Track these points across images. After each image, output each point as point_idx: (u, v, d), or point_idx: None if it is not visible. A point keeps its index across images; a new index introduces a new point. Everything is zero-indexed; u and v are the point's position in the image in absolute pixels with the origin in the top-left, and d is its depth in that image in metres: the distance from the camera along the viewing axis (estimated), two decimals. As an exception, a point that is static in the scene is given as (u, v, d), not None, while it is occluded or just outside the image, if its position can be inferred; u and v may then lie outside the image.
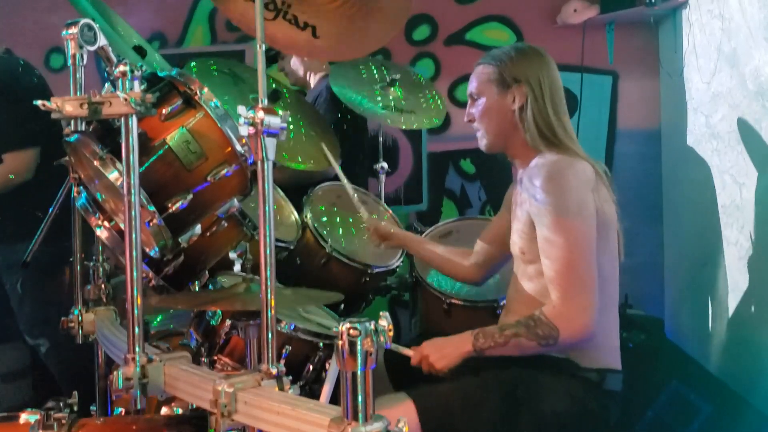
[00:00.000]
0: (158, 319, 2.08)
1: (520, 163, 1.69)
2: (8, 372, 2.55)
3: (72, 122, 1.31)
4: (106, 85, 1.13)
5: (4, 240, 2.27)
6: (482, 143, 1.72)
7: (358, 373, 0.83)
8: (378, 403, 1.47)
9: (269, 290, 1.00)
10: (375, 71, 2.60)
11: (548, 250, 1.51)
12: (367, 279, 2.06)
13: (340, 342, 0.82)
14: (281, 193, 2.18)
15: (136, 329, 1.07)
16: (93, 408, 1.57)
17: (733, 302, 2.48)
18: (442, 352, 1.54)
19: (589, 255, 1.49)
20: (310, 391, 1.58)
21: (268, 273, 1.01)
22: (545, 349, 1.48)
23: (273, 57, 2.90)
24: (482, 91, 1.68)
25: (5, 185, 2.26)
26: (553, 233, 1.50)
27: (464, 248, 1.97)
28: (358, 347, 0.82)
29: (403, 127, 2.56)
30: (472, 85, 1.72)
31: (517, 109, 1.63)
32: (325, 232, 2.08)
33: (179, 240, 1.25)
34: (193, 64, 2.08)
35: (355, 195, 2.11)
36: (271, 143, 1.01)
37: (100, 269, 1.52)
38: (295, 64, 2.87)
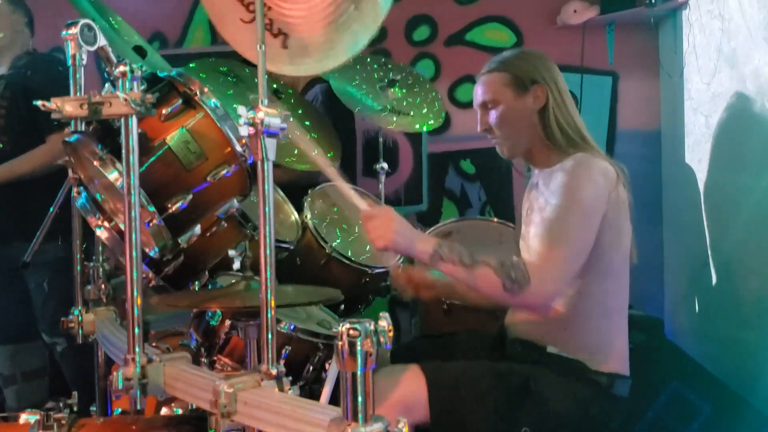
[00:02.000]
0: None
1: (541, 165, 1.66)
2: (29, 371, 2.58)
3: (72, 122, 1.31)
4: (106, 85, 1.13)
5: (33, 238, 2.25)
6: (503, 150, 1.68)
7: (358, 373, 0.83)
8: (389, 372, 1.49)
9: (269, 290, 1.00)
10: (375, 71, 2.60)
11: (554, 211, 1.48)
12: (367, 279, 2.06)
13: (339, 342, 0.82)
14: (281, 193, 2.18)
15: (136, 329, 1.07)
16: (93, 408, 1.58)
17: (732, 302, 2.47)
18: (396, 234, 1.38)
19: (585, 237, 1.46)
20: (310, 391, 1.58)
21: (268, 273, 1.01)
22: (504, 294, 1.38)
23: None
24: (498, 98, 1.63)
25: (48, 165, 2.27)
26: (565, 201, 1.47)
27: None
28: (358, 348, 0.82)
29: (402, 129, 2.56)
30: (483, 96, 1.65)
31: (539, 109, 1.61)
32: (325, 232, 2.07)
33: (179, 240, 1.25)
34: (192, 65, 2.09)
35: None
36: (271, 143, 1.01)
37: (100, 269, 1.53)
38: None
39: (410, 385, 1.47)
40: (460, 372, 1.51)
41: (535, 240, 1.50)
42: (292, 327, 1.56)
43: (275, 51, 1.22)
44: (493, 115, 1.64)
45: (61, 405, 1.24)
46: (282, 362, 1.38)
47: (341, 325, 0.83)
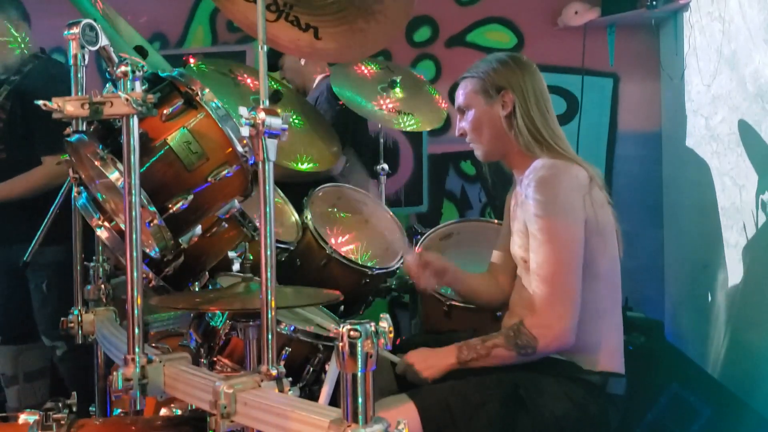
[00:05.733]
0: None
1: (518, 169, 1.71)
2: (31, 371, 2.58)
3: (73, 122, 1.31)
4: (108, 85, 1.13)
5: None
6: (478, 153, 1.76)
7: (358, 374, 0.82)
8: (379, 404, 1.48)
9: (269, 291, 1.00)
10: (376, 72, 2.60)
11: (536, 249, 1.54)
12: (368, 280, 2.05)
13: (340, 344, 0.82)
14: (281, 193, 2.18)
15: (136, 330, 1.07)
16: (92, 408, 1.57)
17: (733, 305, 2.47)
18: (427, 363, 1.58)
19: (574, 262, 1.51)
20: (310, 392, 1.58)
21: (269, 274, 1.01)
22: (525, 358, 1.51)
23: (273, 65, 2.90)
24: (470, 104, 1.72)
25: (46, 186, 2.27)
26: (541, 234, 1.53)
27: (479, 270, 1.93)
28: (359, 349, 0.82)
29: (404, 129, 2.56)
30: (459, 100, 1.75)
31: (506, 116, 1.66)
32: (325, 233, 2.07)
33: (180, 240, 1.25)
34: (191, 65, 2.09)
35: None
36: (272, 144, 1.01)
37: (100, 269, 1.52)
38: (293, 71, 2.86)
39: (401, 415, 1.46)
40: (449, 393, 1.51)
41: (532, 287, 1.55)
42: (291, 328, 1.55)
43: (311, 44, 1.36)
44: (466, 121, 1.73)
45: (60, 405, 1.24)
46: (282, 363, 1.38)
47: (342, 326, 0.83)
